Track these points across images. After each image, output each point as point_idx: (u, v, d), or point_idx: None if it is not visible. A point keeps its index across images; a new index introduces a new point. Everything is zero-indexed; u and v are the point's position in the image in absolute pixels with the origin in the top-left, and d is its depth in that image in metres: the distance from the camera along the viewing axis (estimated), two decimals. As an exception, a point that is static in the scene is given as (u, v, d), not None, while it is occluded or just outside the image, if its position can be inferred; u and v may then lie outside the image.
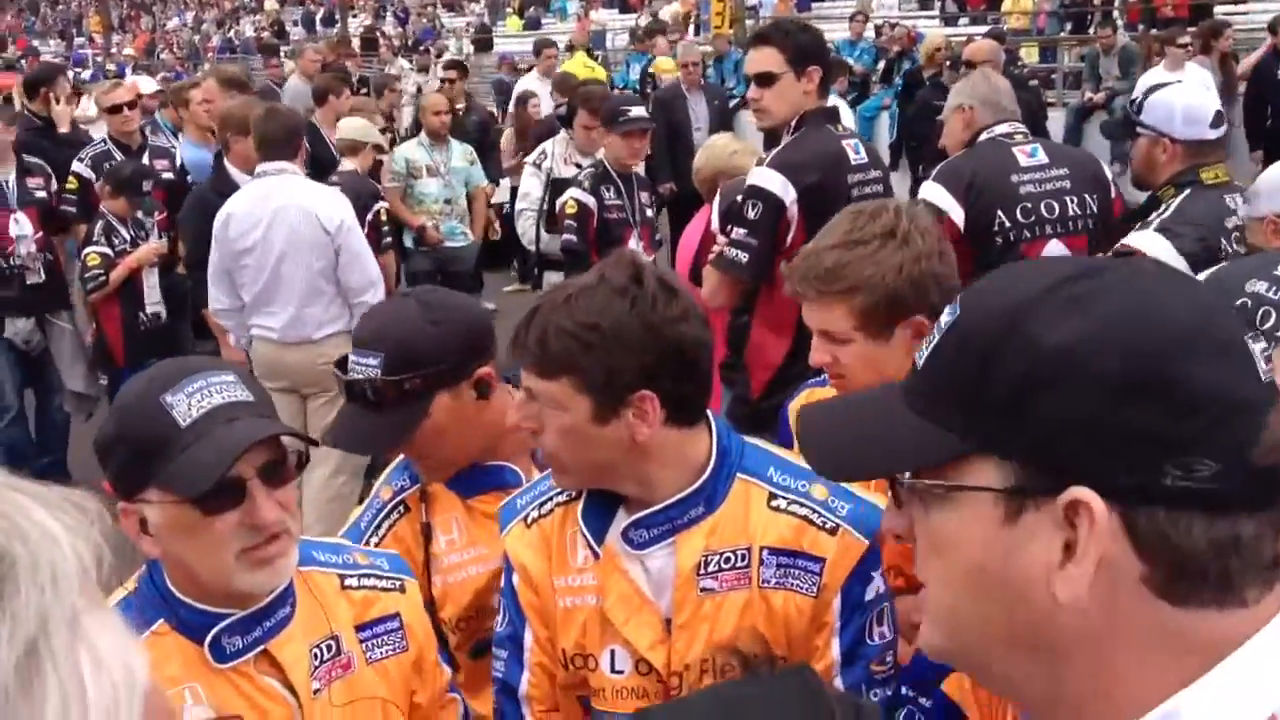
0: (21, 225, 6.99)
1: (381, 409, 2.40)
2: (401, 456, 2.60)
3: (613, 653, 2.10)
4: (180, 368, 1.88)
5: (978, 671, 1.08)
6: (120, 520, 1.87)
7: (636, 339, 1.95)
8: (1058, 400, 0.93)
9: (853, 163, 4.27)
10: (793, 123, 4.26)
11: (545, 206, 7.30)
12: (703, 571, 2.04)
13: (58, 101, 8.47)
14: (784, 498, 2.08)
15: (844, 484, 2.13)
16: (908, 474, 1.04)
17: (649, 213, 6.54)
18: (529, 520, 2.20)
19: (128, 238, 6.89)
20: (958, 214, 4.35)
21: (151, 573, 1.93)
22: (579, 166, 7.10)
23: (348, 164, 7.34)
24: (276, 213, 5.61)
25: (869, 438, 1.09)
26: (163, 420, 1.78)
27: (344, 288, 5.69)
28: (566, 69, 13.29)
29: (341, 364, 2.51)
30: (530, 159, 7.75)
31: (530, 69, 13.92)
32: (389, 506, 2.53)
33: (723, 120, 11.36)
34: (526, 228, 7.47)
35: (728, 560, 2.05)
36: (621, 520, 2.09)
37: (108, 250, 6.78)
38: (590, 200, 6.23)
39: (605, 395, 1.96)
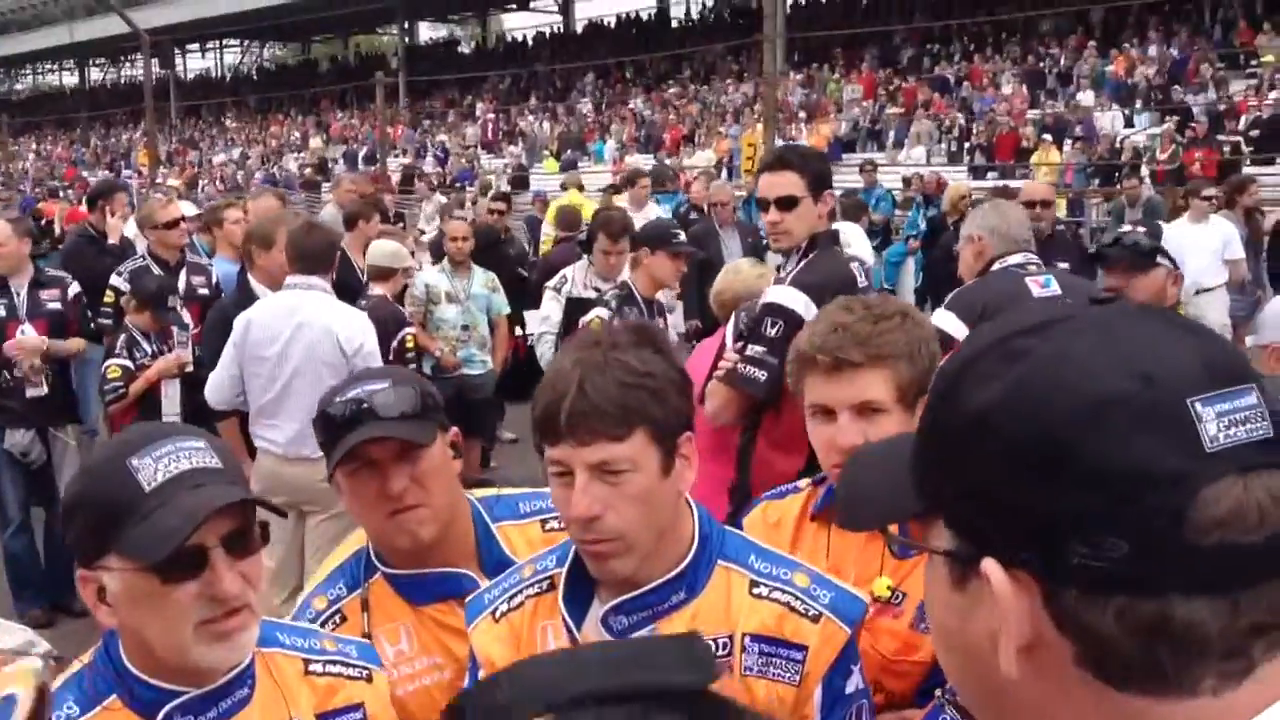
0: (27, 337, 7.06)
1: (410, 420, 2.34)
2: (342, 559, 2.52)
3: None
4: (151, 432, 1.85)
5: None
6: (79, 587, 1.84)
7: (678, 382, 1.96)
8: (966, 467, 0.89)
9: (860, 285, 4.29)
10: (803, 245, 4.29)
11: (562, 330, 7.36)
12: None
13: (112, 215, 8.86)
14: (766, 584, 2.04)
15: (827, 574, 2.10)
16: (891, 529, 1.02)
17: (671, 338, 6.59)
18: (498, 614, 2.13)
19: (149, 351, 6.95)
20: None
21: (107, 646, 1.87)
22: (598, 291, 7.17)
23: (377, 289, 7.42)
24: (298, 328, 5.62)
25: (872, 487, 1.06)
26: (127, 483, 1.74)
27: None
28: (566, 204, 13.48)
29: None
30: (551, 284, 7.83)
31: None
32: (323, 617, 2.40)
33: (755, 257, 11.46)
34: (545, 351, 7.51)
35: None
36: (598, 608, 2.04)
37: (128, 363, 6.84)
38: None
39: (668, 442, 1.94)
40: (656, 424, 1.92)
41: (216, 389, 5.87)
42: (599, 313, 6.38)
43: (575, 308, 7.18)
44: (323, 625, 2.35)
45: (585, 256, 7.75)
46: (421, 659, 2.38)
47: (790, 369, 2.53)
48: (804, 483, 2.65)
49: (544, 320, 7.62)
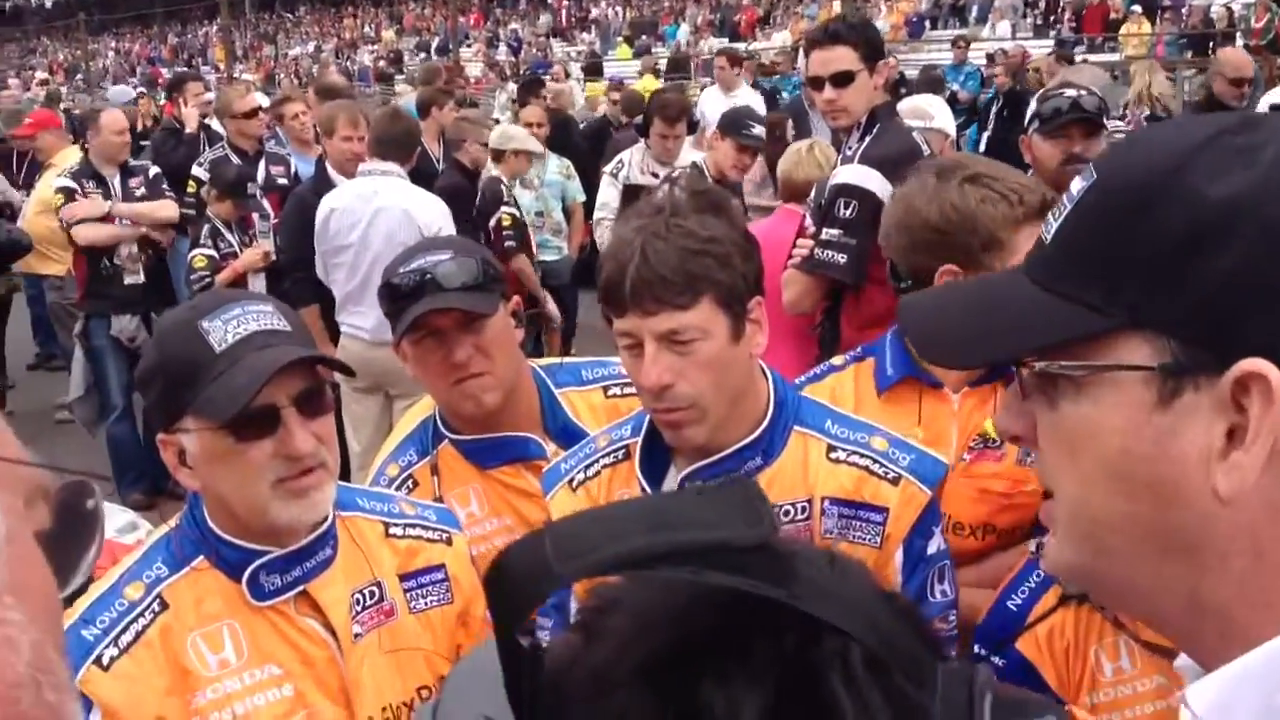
0: (124, 224, 7.28)
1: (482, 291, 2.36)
2: (410, 429, 2.55)
3: None
4: (220, 297, 1.88)
5: (1115, 588, 0.93)
6: (161, 452, 1.87)
7: (742, 246, 1.93)
8: (1226, 259, 0.80)
9: (924, 155, 4.16)
10: (863, 120, 4.16)
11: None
12: None
13: (186, 104, 9.10)
14: (844, 449, 2.02)
15: (902, 438, 2.06)
16: (1037, 361, 0.91)
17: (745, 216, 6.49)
18: (574, 483, 2.14)
19: (233, 241, 7.03)
20: None
21: (192, 509, 1.91)
22: (655, 176, 7.08)
23: (493, 169, 7.51)
24: (377, 213, 5.66)
25: (989, 318, 0.96)
26: (198, 346, 1.77)
27: None
28: (636, 89, 13.29)
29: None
30: (608, 169, 7.74)
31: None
32: (396, 483, 2.45)
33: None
34: (604, 236, 7.45)
35: (787, 513, 1.99)
36: (674, 476, 2.04)
37: (214, 253, 6.92)
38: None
39: (737, 307, 1.92)
40: (723, 290, 1.89)
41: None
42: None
43: (633, 194, 7.09)
44: (395, 491, 2.38)
45: (643, 140, 7.64)
46: (491, 520, 2.42)
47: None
48: (838, 360, 2.59)
49: (602, 206, 7.54)
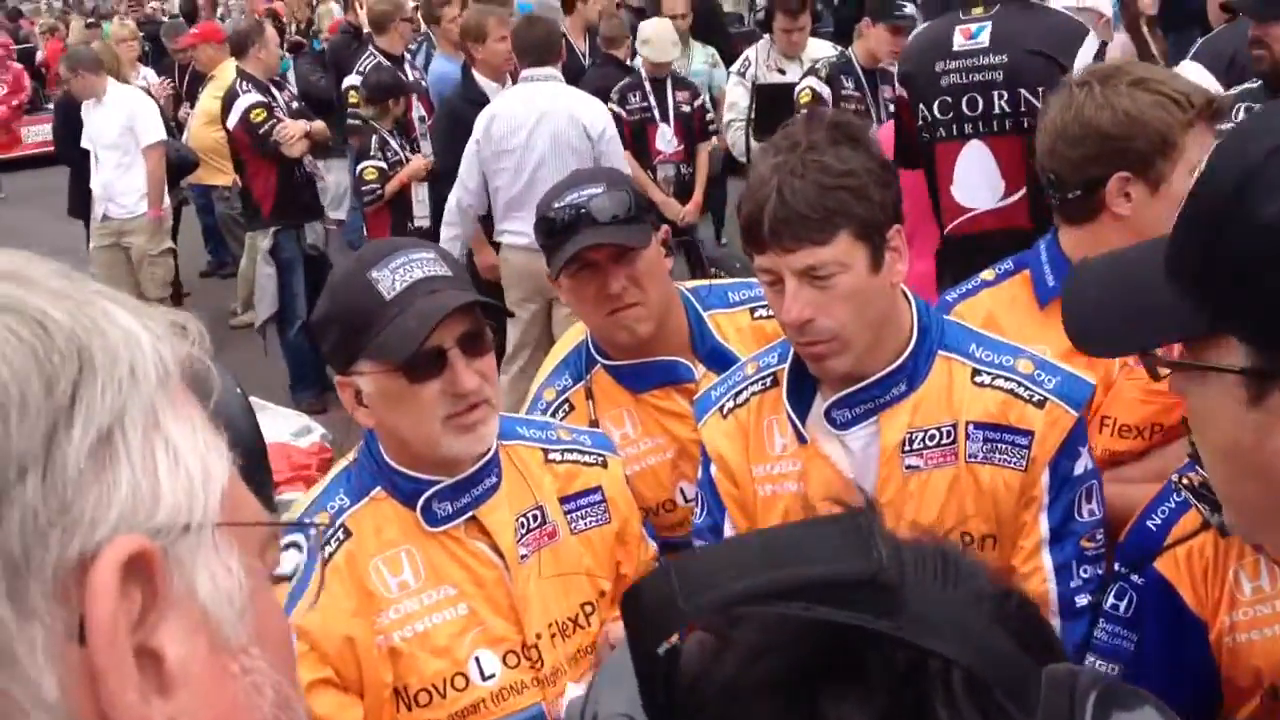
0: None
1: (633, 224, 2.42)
2: (564, 354, 2.63)
3: None
4: (385, 247, 2.00)
5: (1268, 545, 1.04)
6: (340, 393, 2.01)
7: (879, 175, 1.95)
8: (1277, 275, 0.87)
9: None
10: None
11: (752, 114, 7.18)
12: (907, 449, 2.03)
13: (361, 7, 9.44)
14: (988, 373, 2.04)
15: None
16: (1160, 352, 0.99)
17: (891, 109, 6.36)
18: (725, 410, 2.21)
19: (397, 149, 7.21)
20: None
21: (369, 444, 2.05)
22: (781, 72, 6.97)
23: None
24: (542, 117, 5.70)
25: (1122, 308, 1.04)
26: (369, 295, 1.89)
27: None
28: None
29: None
30: (734, 68, 7.62)
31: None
32: (553, 407, 2.54)
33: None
34: (736, 138, 7.37)
35: (932, 437, 2.02)
36: (820, 404, 2.09)
37: (383, 164, 7.09)
38: (825, 90, 6.11)
39: (876, 238, 1.95)
40: (860, 222, 1.91)
41: (461, 189, 5.94)
42: (808, 82, 6.22)
43: (764, 95, 6.97)
44: (553, 414, 2.50)
45: (766, 36, 7.48)
46: (645, 440, 2.51)
47: None
48: (989, 274, 2.53)
49: (730, 107, 7.43)
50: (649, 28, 7.51)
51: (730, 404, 2.21)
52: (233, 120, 7.54)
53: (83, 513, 0.57)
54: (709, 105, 7.73)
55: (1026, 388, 2.01)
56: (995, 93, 3.78)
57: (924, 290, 2.68)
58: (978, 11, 3.86)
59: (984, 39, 3.81)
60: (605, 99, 6.64)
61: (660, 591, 0.66)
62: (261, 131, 7.44)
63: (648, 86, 7.31)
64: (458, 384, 1.90)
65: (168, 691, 0.58)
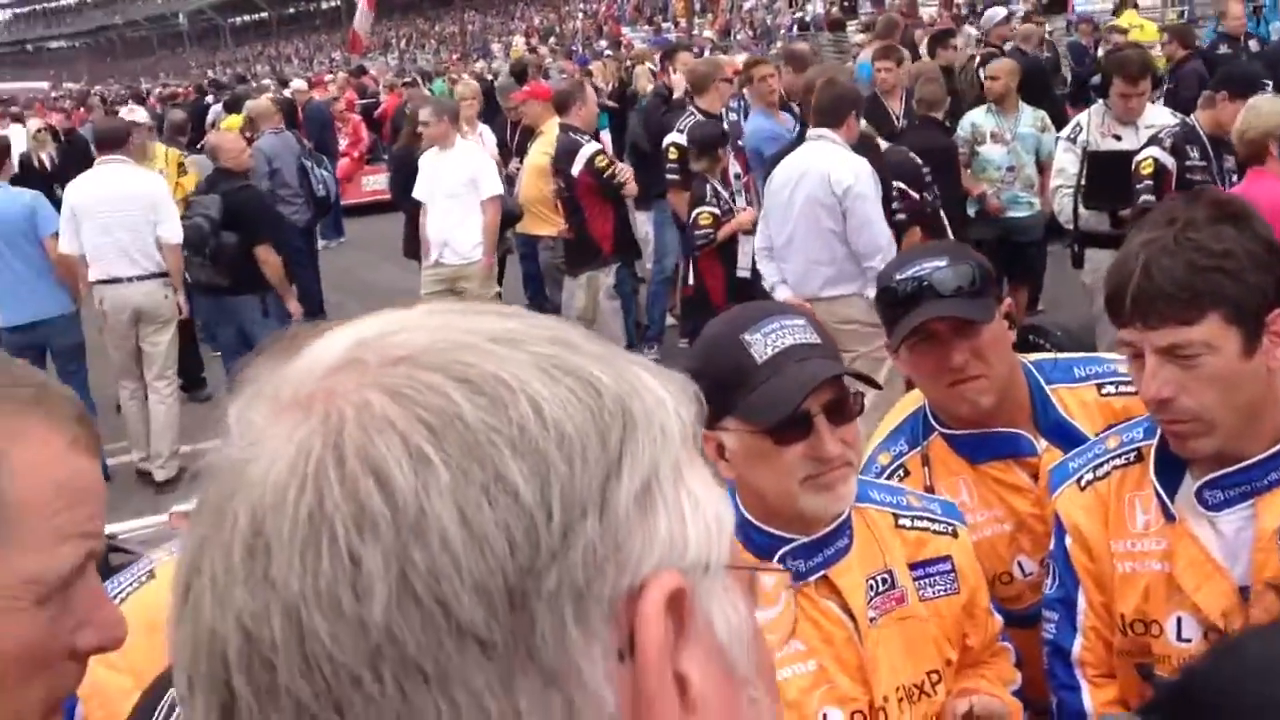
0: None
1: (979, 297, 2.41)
2: (901, 419, 2.62)
3: (1179, 620, 2.05)
4: (758, 311, 2.07)
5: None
6: (703, 444, 2.09)
7: (1261, 258, 1.89)
8: None
9: None
10: None
11: (1082, 181, 6.97)
12: None
13: (673, 72, 10.09)
14: None
15: None
16: None
17: (1234, 179, 6.07)
18: (1083, 483, 2.17)
19: (727, 199, 7.57)
20: None
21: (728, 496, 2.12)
22: (1117, 138, 6.74)
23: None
24: (802, 175, 6.14)
25: None
26: (742, 356, 1.96)
27: (854, 250, 6.02)
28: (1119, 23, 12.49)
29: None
30: (1064, 133, 7.42)
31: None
32: (887, 471, 2.54)
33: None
34: (1063, 205, 7.17)
35: None
36: (1190, 483, 2.03)
37: (717, 210, 7.49)
38: (1170, 160, 5.90)
39: (1251, 323, 1.89)
40: (1234, 305, 1.85)
41: (760, 235, 6.57)
42: (1151, 152, 6.01)
43: (1097, 162, 6.78)
44: (887, 479, 2.50)
45: (1101, 100, 7.24)
46: (982, 511, 2.48)
47: None
48: None
49: (1059, 173, 7.24)
50: None
51: (1089, 476, 2.17)
52: (577, 166, 8.14)
53: (632, 551, 0.64)
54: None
55: None
56: None
57: None
58: None
59: None
60: (925, 159, 6.75)
61: (1218, 681, 0.67)
62: (606, 175, 8.12)
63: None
64: (821, 450, 1.95)
65: (693, 713, 0.65)
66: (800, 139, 6.92)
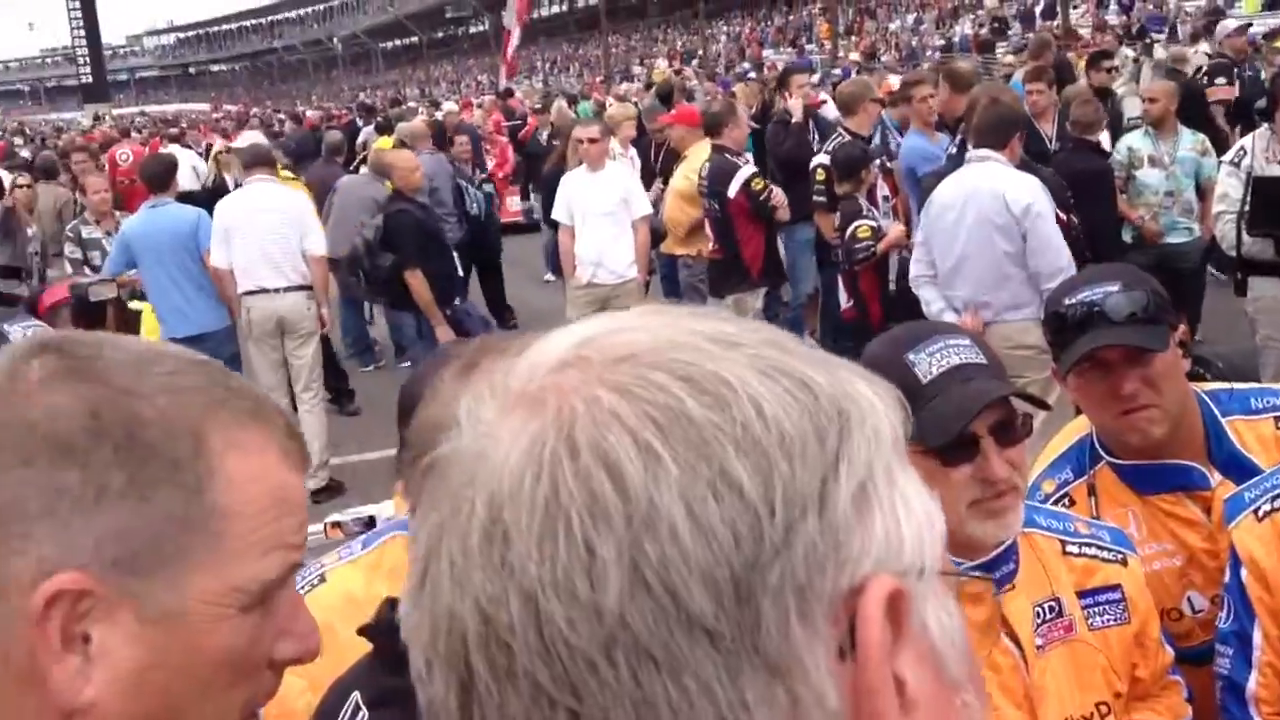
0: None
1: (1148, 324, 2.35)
2: (1066, 446, 2.56)
3: None
4: (922, 330, 2.06)
5: None
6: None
7: None
8: None
9: None
10: None
11: (1245, 207, 6.72)
12: None
13: (790, 96, 9.95)
14: None
15: None
16: None
17: None
18: (1261, 513, 2.11)
19: (878, 218, 7.61)
20: None
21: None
22: None
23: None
24: (970, 196, 5.91)
25: None
26: (906, 376, 1.94)
27: (1033, 272, 5.80)
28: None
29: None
30: (1227, 157, 7.14)
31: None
32: (1051, 499, 2.48)
33: None
34: (1226, 231, 6.91)
35: None
36: None
37: (875, 224, 7.48)
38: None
39: None
40: None
41: (916, 262, 6.35)
42: None
43: (1263, 188, 6.52)
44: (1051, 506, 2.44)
45: (1267, 124, 6.96)
46: (1151, 545, 2.40)
47: None
48: None
49: (1221, 198, 6.99)
50: None
51: (1267, 507, 2.10)
52: (734, 188, 8.13)
53: (850, 551, 0.64)
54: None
55: None
56: None
57: None
58: None
59: None
60: (1071, 183, 6.61)
61: None
62: (762, 197, 8.10)
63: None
64: (989, 471, 1.92)
65: (909, 713, 0.65)
66: (958, 160, 6.81)
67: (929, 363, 1.95)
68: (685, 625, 0.60)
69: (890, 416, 0.70)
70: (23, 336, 2.17)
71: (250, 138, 14.07)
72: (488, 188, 12.77)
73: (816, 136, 9.42)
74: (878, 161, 8.31)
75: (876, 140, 9.05)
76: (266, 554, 0.96)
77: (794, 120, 9.72)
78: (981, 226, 5.87)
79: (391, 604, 1.48)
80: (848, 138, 8.44)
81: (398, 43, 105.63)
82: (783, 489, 0.62)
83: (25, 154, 20.84)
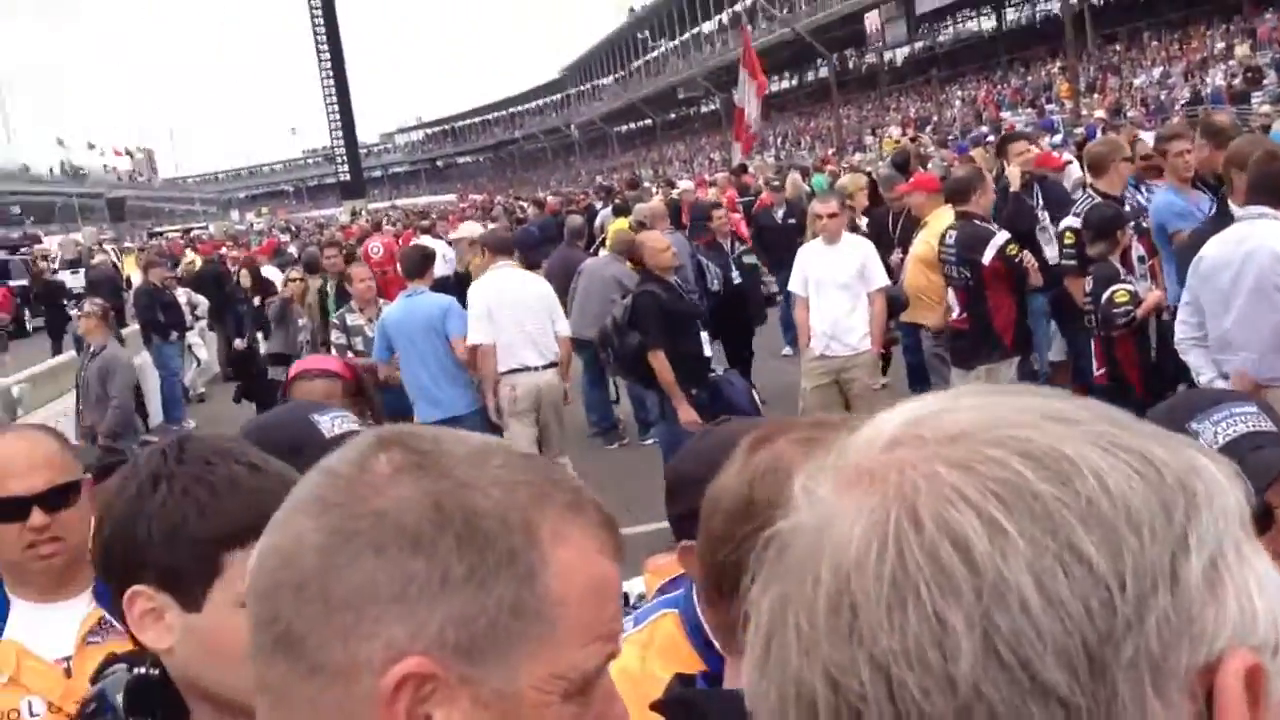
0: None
1: None
2: None
3: None
4: (1205, 397, 2.00)
5: None
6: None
7: None
8: None
9: None
10: None
11: None
12: None
13: (1008, 163, 9.75)
14: None
15: None
16: None
17: None
18: None
19: (1132, 280, 7.25)
20: None
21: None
22: None
23: None
24: (1248, 256, 5.55)
25: None
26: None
27: None
28: None
29: None
30: None
31: None
32: None
33: None
34: None
35: None
36: None
37: (1134, 288, 7.14)
38: None
39: None
40: None
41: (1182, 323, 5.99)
42: None
43: None
44: None
45: None
46: None
47: None
48: None
49: None
50: None
51: None
52: (988, 255, 7.92)
53: (1205, 625, 0.64)
54: None
55: None
56: None
57: None
58: None
59: None
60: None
61: None
62: (1017, 260, 7.91)
63: None
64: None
65: None
66: (1219, 218, 6.50)
67: (1214, 431, 1.88)
68: (1040, 697, 0.61)
69: (1235, 492, 0.70)
70: (330, 424, 2.32)
71: (468, 229, 14.70)
72: (749, 259, 12.89)
73: (1040, 202, 9.20)
74: (1133, 222, 8.01)
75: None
76: (589, 642, 0.97)
77: (1012, 189, 9.50)
78: (1262, 289, 5.53)
79: (682, 680, 1.51)
80: (1096, 199, 8.20)
81: (632, 125, 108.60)
82: (1133, 563, 0.63)
83: (292, 250, 22.36)
